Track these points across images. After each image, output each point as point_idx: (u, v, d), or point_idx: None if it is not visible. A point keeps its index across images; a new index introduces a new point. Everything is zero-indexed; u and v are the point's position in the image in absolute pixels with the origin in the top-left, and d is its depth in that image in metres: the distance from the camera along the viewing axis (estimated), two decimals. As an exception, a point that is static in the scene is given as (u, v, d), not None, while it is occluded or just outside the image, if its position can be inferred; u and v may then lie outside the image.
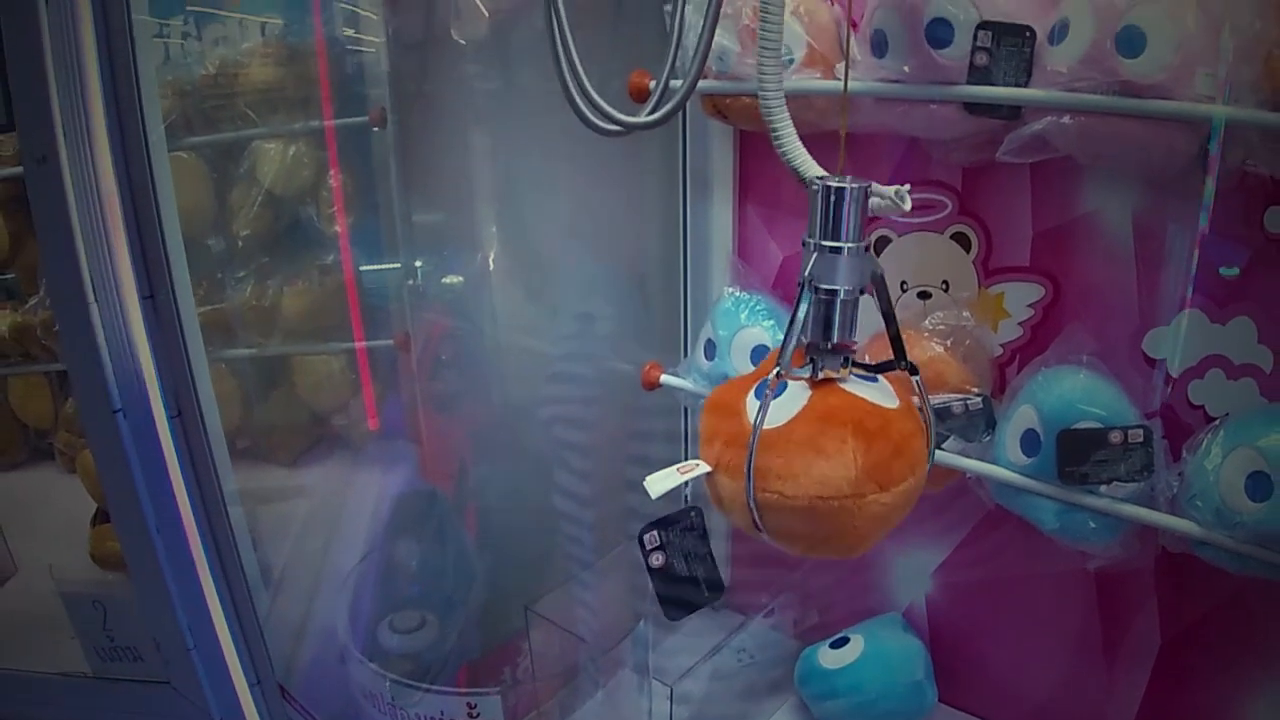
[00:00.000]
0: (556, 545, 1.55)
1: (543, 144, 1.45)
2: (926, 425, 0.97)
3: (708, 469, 0.93)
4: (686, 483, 0.92)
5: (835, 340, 0.94)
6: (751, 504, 0.89)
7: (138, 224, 1.01)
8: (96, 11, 0.95)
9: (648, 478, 0.91)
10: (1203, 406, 1.13)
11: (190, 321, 1.06)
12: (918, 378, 0.97)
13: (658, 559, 1.22)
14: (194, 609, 1.18)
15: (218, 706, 1.23)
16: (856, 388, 0.95)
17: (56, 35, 0.95)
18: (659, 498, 0.90)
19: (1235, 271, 1.09)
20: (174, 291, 1.03)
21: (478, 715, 1.13)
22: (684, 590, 1.24)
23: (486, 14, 1.50)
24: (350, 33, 1.57)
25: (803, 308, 0.92)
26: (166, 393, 1.07)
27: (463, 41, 1.52)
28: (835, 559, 1.32)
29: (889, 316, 0.97)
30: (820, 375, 0.94)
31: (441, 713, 1.15)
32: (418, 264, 1.63)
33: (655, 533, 1.22)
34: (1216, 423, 1.05)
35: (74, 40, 0.95)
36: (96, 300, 1.02)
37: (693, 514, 1.27)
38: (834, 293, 0.93)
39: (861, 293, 0.94)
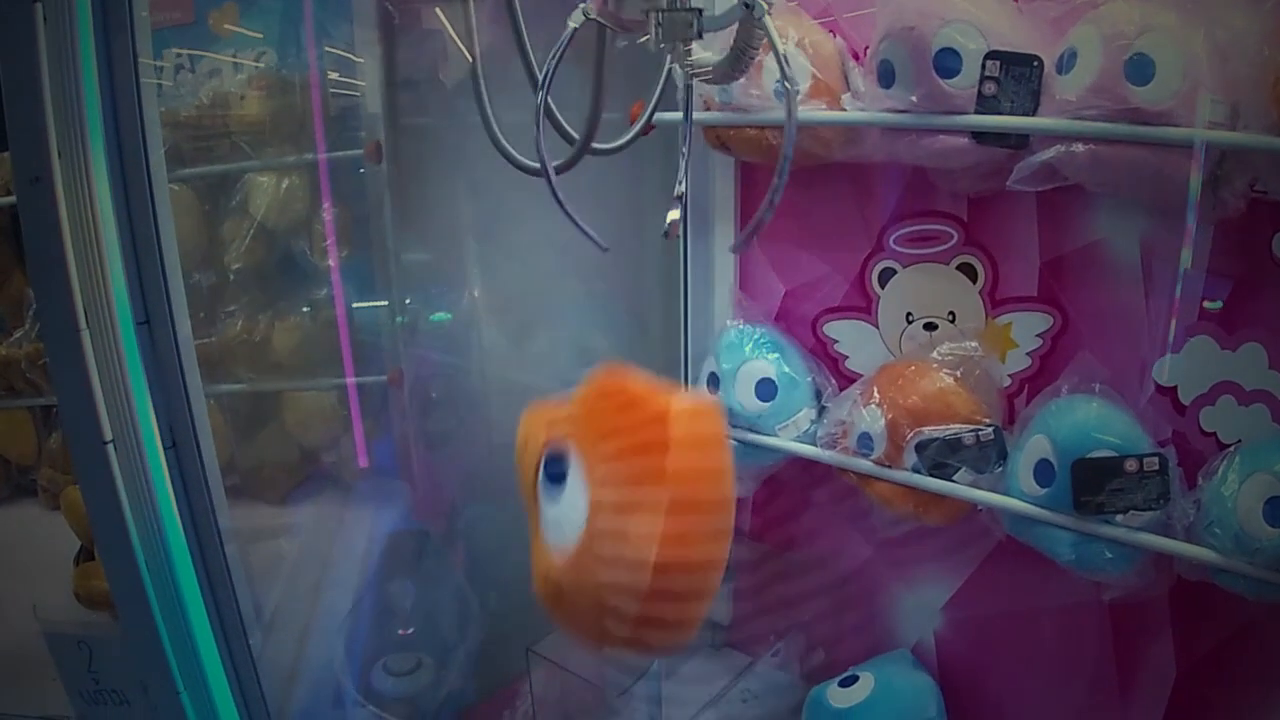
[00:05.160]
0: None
1: (539, 179, 1.44)
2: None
3: None
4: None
5: None
6: None
7: (135, 246, 0.98)
8: (97, 27, 0.93)
9: None
10: (1214, 433, 1.13)
11: (187, 349, 1.03)
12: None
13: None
14: (184, 651, 1.14)
15: (208, 753, 1.18)
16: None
17: (53, 52, 0.92)
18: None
19: (1219, 305, 1.10)
20: (172, 316, 1.00)
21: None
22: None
23: (470, 59, 1.50)
24: (337, 76, 1.56)
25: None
26: (161, 423, 1.03)
27: (448, 85, 1.52)
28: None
29: None
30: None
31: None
32: (407, 301, 1.61)
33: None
34: (1231, 449, 1.05)
35: (72, 57, 0.93)
36: (89, 326, 0.99)
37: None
38: None
39: None
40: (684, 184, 1.00)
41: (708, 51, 0.97)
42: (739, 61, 0.93)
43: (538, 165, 1.00)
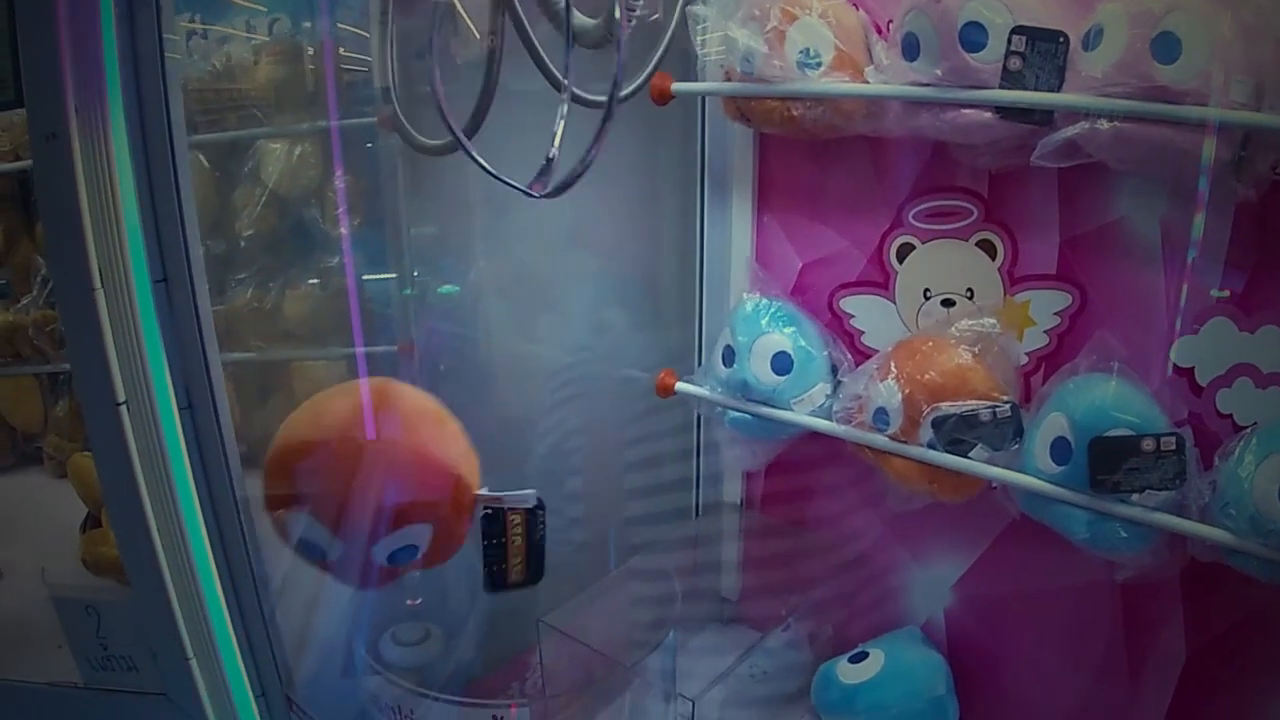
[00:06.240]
0: (567, 556, 1.51)
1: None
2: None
3: None
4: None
5: None
6: None
7: (153, 203, 0.97)
8: (117, -21, 0.92)
9: None
10: (1230, 415, 1.12)
11: (205, 308, 1.02)
12: None
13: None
14: (194, 616, 1.13)
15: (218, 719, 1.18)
16: None
17: (72, 3, 0.91)
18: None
19: (1225, 294, 1.10)
20: (190, 274, 0.99)
21: (503, 726, 1.09)
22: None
23: (478, 35, 1.50)
24: (349, 45, 1.55)
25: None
26: (177, 383, 1.02)
27: (458, 60, 1.51)
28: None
29: None
30: None
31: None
32: (415, 273, 1.60)
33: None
34: (1248, 431, 1.04)
35: (91, 10, 0.91)
36: (103, 286, 0.98)
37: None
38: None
39: None
40: (558, 141, 1.02)
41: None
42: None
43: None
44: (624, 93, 1.19)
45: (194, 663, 1.14)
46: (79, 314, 0.99)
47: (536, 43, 1.08)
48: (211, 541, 1.09)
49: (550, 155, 1.01)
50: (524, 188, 1.03)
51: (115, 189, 0.95)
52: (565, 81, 1.02)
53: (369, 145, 1.54)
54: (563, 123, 1.01)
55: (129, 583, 1.14)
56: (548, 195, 1.04)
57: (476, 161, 1.05)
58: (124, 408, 1.01)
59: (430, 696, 1.11)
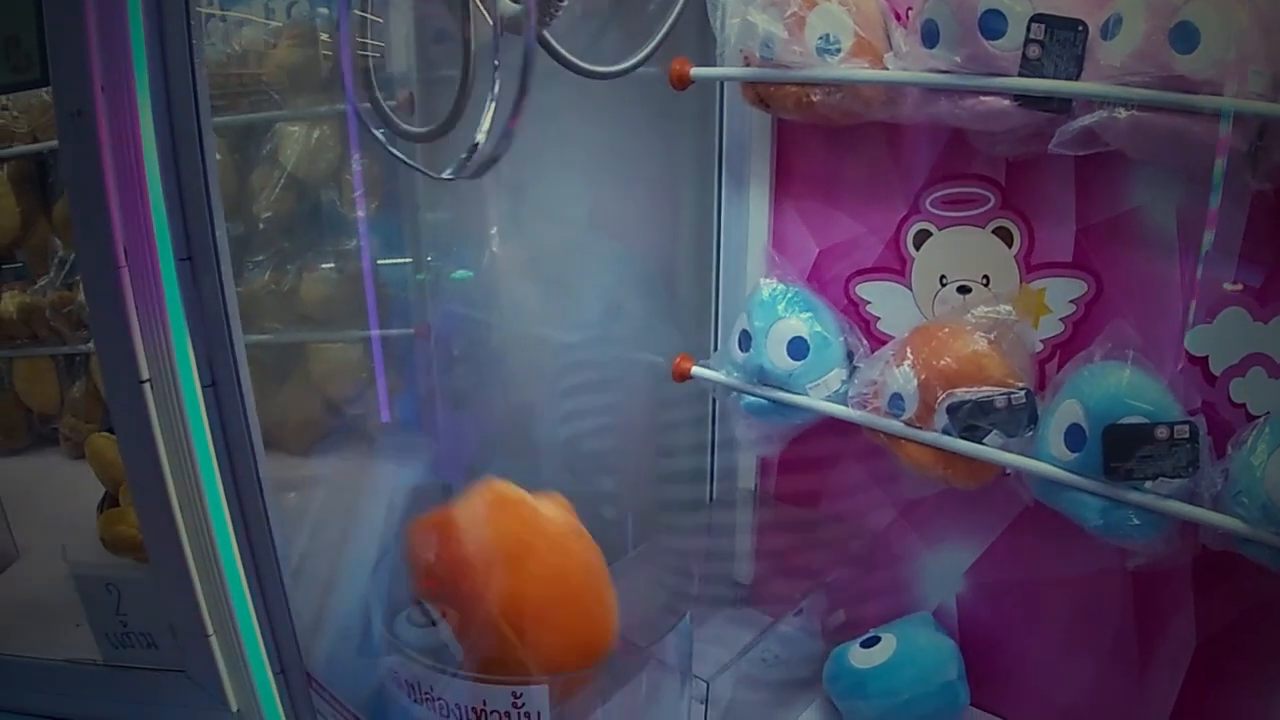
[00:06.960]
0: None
1: (570, 131, 1.44)
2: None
3: None
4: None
5: None
6: None
7: (179, 181, 0.97)
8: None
9: None
10: (1244, 404, 1.13)
11: (230, 286, 1.03)
12: None
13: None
14: (214, 593, 1.14)
15: (236, 696, 1.19)
16: None
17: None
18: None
19: (1239, 287, 1.10)
20: (216, 252, 1.00)
21: (522, 705, 1.09)
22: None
23: (490, 21, 1.50)
24: (366, 28, 1.55)
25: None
26: (201, 361, 1.03)
27: (473, 46, 1.51)
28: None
29: None
30: None
31: (484, 703, 1.10)
32: (429, 258, 1.61)
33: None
34: (1261, 420, 1.05)
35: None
36: (128, 263, 0.99)
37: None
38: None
39: None
40: (487, 125, 1.02)
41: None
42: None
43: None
44: (622, 66, 1.20)
45: (214, 640, 1.15)
46: (103, 292, 1.00)
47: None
48: (233, 519, 1.10)
49: (476, 140, 1.01)
50: (436, 174, 1.06)
51: (141, 166, 0.96)
52: (496, 75, 1.02)
53: (382, 130, 1.55)
54: (493, 105, 1.01)
55: (148, 560, 1.15)
56: (470, 177, 1.05)
57: (392, 153, 1.12)
58: (147, 385, 1.03)
59: (450, 673, 1.12)
